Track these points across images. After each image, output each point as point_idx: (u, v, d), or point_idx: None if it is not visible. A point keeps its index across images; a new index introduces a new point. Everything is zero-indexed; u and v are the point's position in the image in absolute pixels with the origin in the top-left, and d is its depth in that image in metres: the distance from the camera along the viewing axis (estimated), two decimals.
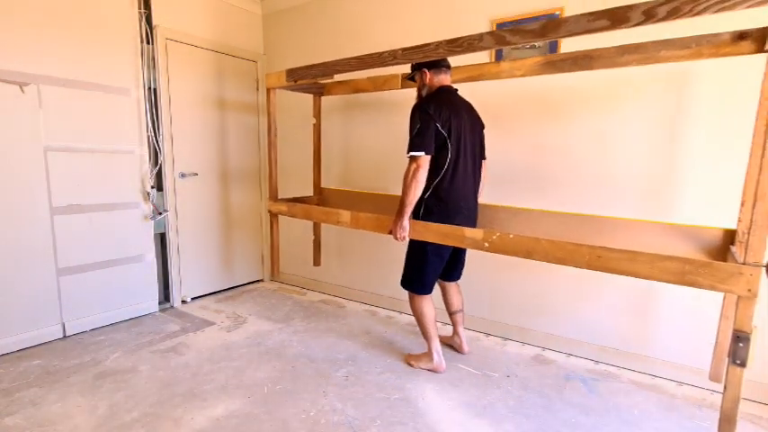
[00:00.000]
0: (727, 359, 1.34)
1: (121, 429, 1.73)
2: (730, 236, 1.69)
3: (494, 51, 2.46)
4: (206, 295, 3.41)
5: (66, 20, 2.47)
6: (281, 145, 3.34)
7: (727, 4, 1.16)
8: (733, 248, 1.59)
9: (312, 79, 2.44)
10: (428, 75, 2.09)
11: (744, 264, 1.28)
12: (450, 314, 2.43)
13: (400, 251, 2.32)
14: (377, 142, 3.09)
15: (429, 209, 2.05)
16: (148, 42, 2.87)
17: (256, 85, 3.62)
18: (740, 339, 1.28)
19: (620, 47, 1.80)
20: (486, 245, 1.78)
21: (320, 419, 1.82)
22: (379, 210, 2.55)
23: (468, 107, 2.15)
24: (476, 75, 2.21)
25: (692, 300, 2.11)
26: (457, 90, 2.14)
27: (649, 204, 2.18)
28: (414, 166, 1.94)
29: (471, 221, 2.16)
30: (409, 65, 2.13)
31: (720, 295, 1.81)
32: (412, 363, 2.30)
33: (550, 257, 1.62)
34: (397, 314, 3.07)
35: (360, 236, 3.24)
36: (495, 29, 2.47)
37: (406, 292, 2.25)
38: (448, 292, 2.41)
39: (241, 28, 3.47)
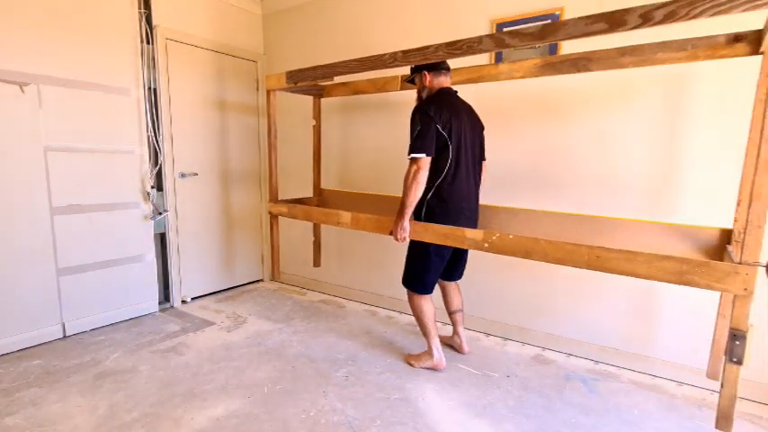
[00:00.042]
0: (723, 357, 1.36)
1: (121, 429, 1.73)
2: (727, 235, 1.71)
3: (494, 53, 2.46)
4: (206, 295, 3.41)
5: (66, 20, 2.47)
6: (281, 146, 3.34)
7: (722, 7, 1.17)
8: (729, 248, 1.60)
9: (312, 81, 2.45)
10: (428, 77, 2.10)
11: (740, 263, 1.30)
12: (450, 314, 2.43)
13: (400, 251, 2.33)
14: (376, 143, 3.09)
15: (431, 209, 2.06)
16: (148, 42, 2.87)
17: (256, 85, 3.63)
18: (736, 337, 1.30)
19: (617, 49, 1.81)
20: (486, 245, 1.79)
21: (320, 419, 1.82)
22: (378, 210, 2.56)
23: (468, 109, 2.16)
24: (475, 76, 2.22)
25: (692, 300, 2.11)
26: (456, 92, 2.15)
27: (649, 204, 2.18)
28: (414, 167, 1.95)
29: (473, 222, 2.17)
30: (409, 67, 2.14)
31: (719, 294, 1.81)
32: (413, 362, 2.30)
33: (550, 258, 1.64)
34: (397, 314, 3.07)
35: (360, 236, 3.24)
36: (495, 29, 2.48)
37: (406, 291, 2.25)
38: (448, 291, 2.41)
39: (241, 28, 3.47)
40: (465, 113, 2.10)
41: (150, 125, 2.90)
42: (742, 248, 1.29)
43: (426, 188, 2.02)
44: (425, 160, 1.95)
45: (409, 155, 1.97)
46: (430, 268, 2.15)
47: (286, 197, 3.23)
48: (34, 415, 1.82)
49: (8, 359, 2.30)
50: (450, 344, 2.49)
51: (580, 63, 1.92)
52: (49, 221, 2.48)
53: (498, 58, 2.45)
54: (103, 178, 2.70)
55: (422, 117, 1.97)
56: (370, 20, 3.02)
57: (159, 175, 3.02)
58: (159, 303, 3.09)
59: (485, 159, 2.27)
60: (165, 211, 3.04)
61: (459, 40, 1.65)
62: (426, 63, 2.00)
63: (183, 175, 3.14)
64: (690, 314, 2.13)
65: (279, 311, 3.10)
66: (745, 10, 1.15)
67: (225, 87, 3.38)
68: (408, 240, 2.07)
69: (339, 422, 1.80)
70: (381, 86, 2.56)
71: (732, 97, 1.94)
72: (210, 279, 3.44)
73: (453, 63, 2.17)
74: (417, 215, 2.09)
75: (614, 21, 1.32)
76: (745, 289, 1.29)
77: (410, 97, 2.56)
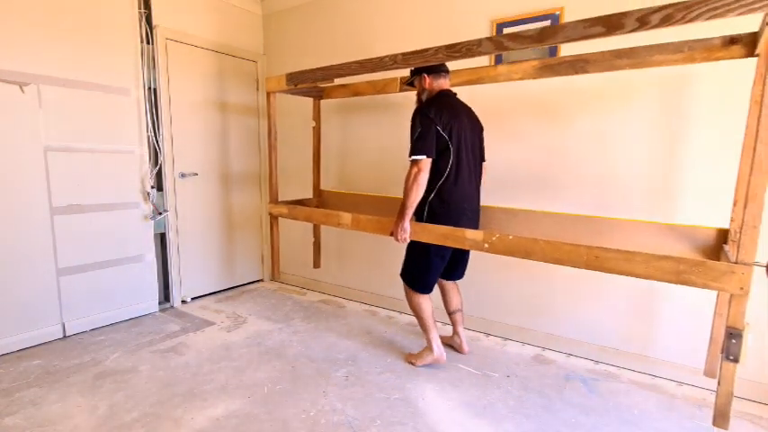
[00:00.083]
0: (720, 355, 1.38)
1: (121, 429, 1.73)
2: (724, 235, 1.73)
3: (493, 55, 2.46)
4: (206, 295, 3.41)
5: (66, 20, 2.47)
6: (281, 147, 3.34)
7: (718, 11, 1.19)
8: (726, 247, 1.62)
9: (312, 83, 2.46)
10: (427, 79, 2.11)
11: (736, 263, 1.31)
12: (450, 314, 2.44)
13: (400, 251, 2.33)
14: (376, 143, 3.09)
15: (433, 210, 2.07)
16: (148, 42, 2.87)
17: (256, 85, 3.63)
18: (733, 336, 1.32)
19: (615, 51, 1.84)
20: (486, 246, 1.80)
21: (320, 419, 1.82)
22: (378, 211, 2.56)
23: (467, 110, 2.17)
24: (474, 78, 2.24)
25: (691, 300, 2.11)
26: (456, 94, 2.16)
27: (649, 205, 2.18)
28: (415, 169, 1.97)
29: (474, 223, 2.18)
30: (408, 69, 2.14)
31: (716, 293, 1.82)
32: (414, 361, 2.31)
33: (549, 258, 1.65)
34: (397, 314, 3.07)
35: (359, 237, 3.24)
36: (495, 29, 2.48)
37: (403, 285, 2.27)
38: (447, 291, 2.42)
39: (241, 28, 3.47)
40: (465, 115, 2.11)
41: (150, 125, 2.90)
42: (738, 248, 1.31)
43: (428, 189, 2.03)
44: (426, 162, 1.97)
45: (410, 157, 1.99)
46: (431, 268, 2.16)
47: (286, 198, 3.23)
48: (34, 415, 1.82)
49: (8, 359, 2.30)
50: (450, 344, 2.49)
51: (578, 65, 1.94)
52: (49, 221, 2.48)
53: (498, 60, 2.45)
54: (103, 178, 2.70)
55: (422, 119, 1.99)
56: (370, 19, 3.02)
57: (159, 175, 3.02)
58: (159, 303, 3.09)
59: (484, 160, 2.27)
60: (165, 211, 3.04)
61: (459, 43, 1.67)
62: (426, 65, 2.01)
63: (183, 175, 3.14)
64: (690, 314, 2.13)
65: (279, 311, 3.10)
66: (740, 14, 1.17)
67: (225, 87, 3.38)
68: (409, 240, 2.07)
69: (339, 422, 1.80)
70: (381, 88, 2.57)
71: (732, 97, 1.94)
72: (210, 279, 3.44)
73: (452, 65, 2.17)
74: (419, 216, 2.10)
75: (612, 24, 1.35)
76: (741, 288, 1.31)
77: (410, 97, 2.57)
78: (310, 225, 3.15)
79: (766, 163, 1.24)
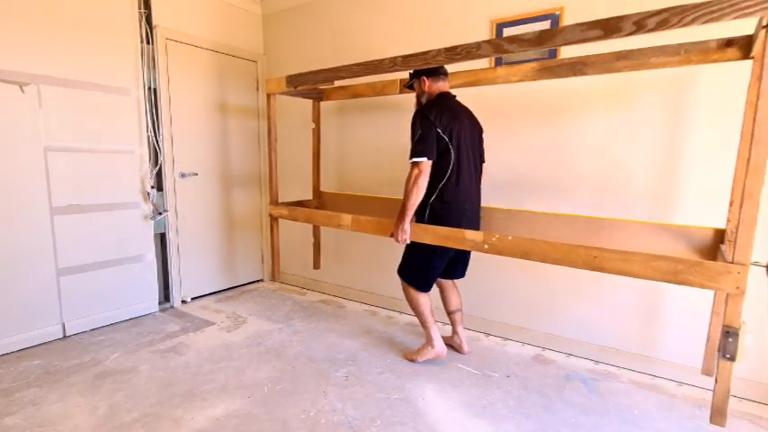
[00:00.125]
0: (717, 354, 1.39)
1: (121, 429, 1.73)
2: (720, 235, 1.75)
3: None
4: (206, 295, 3.41)
5: (66, 20, 2.47)
6: (280, 148, 3.34)
7: (713, 15, 1.22)
8: (723, 247, 1.63)
9: (312, 85, 2.46)
10: (427, 82, 2.13)
11: (732, 263, 1.33)
12: (449, 314, 2.44)
13: (400, 251, 2.33)
14: (375, 144, 3.09)
15: (434, 212, 2.08)
16: (148, 42, 2.87)
17: (256, 85, 3.63)
18: (729, 335, 1.33)
19: (613, 53, 1.86)
20: (486, 247, 1.82)
21: (320, 419, 1.82)
22: (378, 212, 2.57)
23: (467, 112, 2.18)
24: (473, 80, 2.26)
25: (691, 300, 2.11)
26: (455, 96, 2.17)
27: (650, 205, 2.18)
28: (416, 171, 1.98)
29: (475, 224, 2.19)
30: (408, 71, 2.15)
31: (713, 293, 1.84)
32: (415, 358, 2.31)
33: (548, 258, 1.67)
34: (397, 314, 3.07)
35: (359, 237, 3.24)
36: (495, 28, 2.48)
37: (401, 282, 2.28)
38: (446, 290, 2.42)
39: (241, 28, 3.47)
40: (465, 117, 2.13)
41: (150, 125, 2.90)
42: (734, 248, 1.32)
43: (429, 191, 2.05)
44: (426, 164, 1.98)
45: (411, 159, 2.00)
46: (430, 268, 2.17)
47: (285, 199, 3.23)
48: (34, 415, 1.82)
49: (8, 359, 2.30)
50: (450, 344, 2.48)
51: (576, 67, 1.96)
52: (49, 221, 2.48)
53: (499, 61, 2.45)
54: (103, 178, 2.70)
55: (422, 121, 2.00)
56: (369, 19, 3.02)
57: (159, 175, 3.02)
58: (159, 303, 3.09)
59: (484, 161, 2.28)
60: (165, 211, 3.04)
61: (459, 46, 1.69)
62: (425, 68, 2.03)
63: (183, 175, 3.14)
64: (690, 314, 2.13)
65: (279, 311, 3.10)
66: (735, 18, 1.20)
67: (225, 87, 3.38)
68: (409, 241, 2.08)
69: (339, 422, 1.80)
70: (380, 90, 2.58)
71: (732, 97, 1.94)
72: (210, 279, 3.44)
73: (451, 67, 2.18)
74: (421, 217, 2.12)
75: (609, 27, 1.37)
76: (738, 287, 1.32)
77: (409, 98, 2.57)
78: (310, 226, 3.15)
79: (761, 164, 1.26)
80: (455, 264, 2.32)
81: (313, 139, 3.03)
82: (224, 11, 3.32)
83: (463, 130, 2.06)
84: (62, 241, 2.54)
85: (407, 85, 2.26)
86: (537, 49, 1.53)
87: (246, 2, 3.46)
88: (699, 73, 2.01)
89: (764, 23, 1.25)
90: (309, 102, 3.04)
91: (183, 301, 3.24)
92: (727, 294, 1.35)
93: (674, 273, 1.43)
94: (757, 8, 1.17)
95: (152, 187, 2.93)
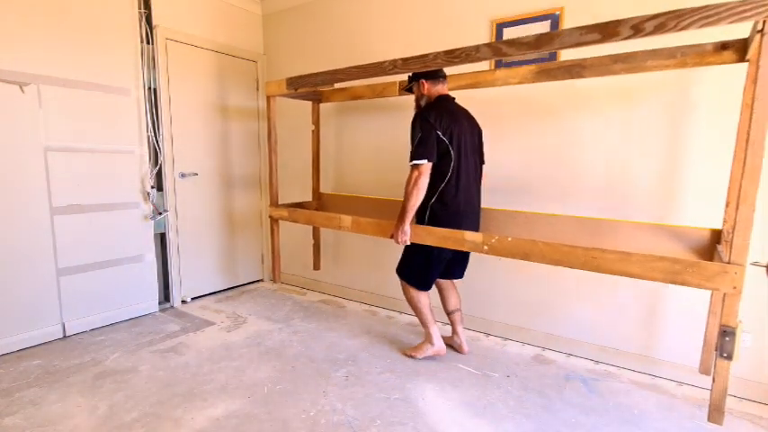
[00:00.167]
0: (714, 353, 1.40)
1: (121, 429, 1.73)
2: (717, 236, 1.77)
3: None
4: (206, 295, 3.41)
5: (66, 20, 2.47)
6: (280, 150, 3.34)
7: (709, 19, 1.24)
8: (719, 247, 1.64)
9: (312, 87, 2.47)
10: (426, 85, 2.14)
11: (728, 263, 1.34)
12: (448, 314, 2.44)
13: (399, 251, 2.33)
14: (375, 144, 3.09)
15: (434, 213, 2.09)
16: (148, 42, 2.87)
17: (256, 85, 3.63)
18: (726, 334, 1.35)
19: (610, 56, 1.87)
20: (486, 248, 1.83)
21: (320, 419, 1.82)
22: (378, 213, 2.58)
23: (466, 114, 2.19)
24: (472, 82, 2.27)
25: (691, 300, 2.11)
26: (454, 98, 2.18)
27: (650, 206, 2.18)
28: (416, 173, 1.99)
29: (475, 225, 2.20)
30: (407, 73, 2.16)
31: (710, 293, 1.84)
32: (414, 354, 2.32)
33: (547, 259, 1.68)
34: (397, 314, 3.07)
35: (359, 237, 3.24)
36: (495, 29, 2.48)
37: (400, 280, 2.29)
38: (445, 290, 2.42)
39: (241, 28, 3.47)
40: (464, 119, 2.14)
41: (150, 125, 2.90)
42: (731, 248, 1.34)
43: (429, 193, 2.06)
44: (426, 166, 1.99)
45: (411, 161, 2.01)
46: (430, 268, 2.18)
47: (285, 200, 3.24)
48: (34, 415, 1.82)
49: (8, 359, 2.30)
50: (450, 344, 2.49)
51: (574, 70, 1.98)
52: (49, 221, 2.48)
53: (499, 63, 2.46)
54: (103, 178, 2.70)
55: (422, 124, 2.01)
56: (369, 19, 3.02)
57: (159, 175, 3.02)
58: (159, 303, 3.09)
59: (484, 163, 2.29)
60: (165, 211, 3.04)
61: (458, 49, 1.71)
62: (423, 71, 2.04)
63: (183, 175, 3.14)
64: (689, 314, 2.13)
65: (279, 311, 3.10)
66: (731, 22, 1.22)
67: (225, 87, 3.38)
68: (409, 242, 2.09)
69: (339, 422, 1.80)
70: (380, 92, 2.59)
71: (732, 97, 1.94)
72: (210, 279, 3.44)
73: (451, 69, 2.18)
74: (421, 219, 2.13)
75: (607, 31, 1.39)
76: (734, 287, 1.34)
77: (408, 99, 2.58)
78: (310, 227, 3.15)
79: (757, 165, 1.27)
80: (454, 264, 2.32)
81: (312, 140, 3.04)
82: (224, 11, 3.32)
83: (463, 133, 2.07)
84: (62, 241, 2.54)
85: (406, 89, 2.27)
86: (535, 51, 1.54)
87: (246, 2, 3.46)
88: (699, 73, 2.01)
89: (759, 27, 1.26)
90: (309, 103, 3.04)
91: (183, 301, 3.24)
92: (724, 294, 1.37)
93: (672, 273, 1.44)
94: (752, 12, 1.19)
95: (152, 187, 2.93)
